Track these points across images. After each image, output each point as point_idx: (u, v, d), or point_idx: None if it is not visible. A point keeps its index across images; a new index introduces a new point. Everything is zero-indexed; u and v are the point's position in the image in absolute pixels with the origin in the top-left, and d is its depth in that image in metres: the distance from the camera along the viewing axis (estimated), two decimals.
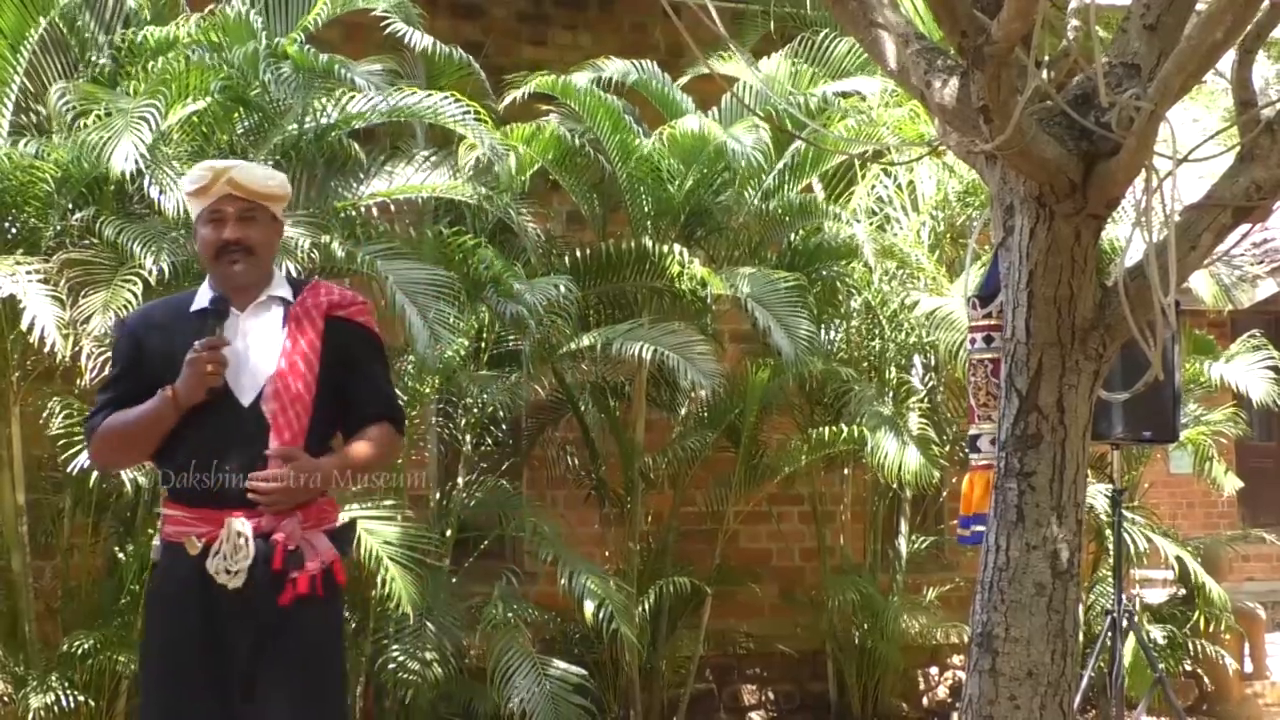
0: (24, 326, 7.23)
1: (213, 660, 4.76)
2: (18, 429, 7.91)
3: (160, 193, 7.33)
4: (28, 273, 7.30)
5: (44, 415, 7.84)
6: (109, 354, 4.83)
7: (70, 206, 7.78)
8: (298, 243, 7.66)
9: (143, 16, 7.96)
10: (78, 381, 7.75)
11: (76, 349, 7.42)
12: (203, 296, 4.94)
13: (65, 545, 8.25)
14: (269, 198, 4.94)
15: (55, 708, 7.67)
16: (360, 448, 4.98)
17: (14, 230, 7.70)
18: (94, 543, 8.32)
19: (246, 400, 4.85)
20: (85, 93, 7.65)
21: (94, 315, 7.34)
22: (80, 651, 7.79)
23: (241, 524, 4.76)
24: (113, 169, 7.19)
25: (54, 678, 7.77)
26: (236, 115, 7.97)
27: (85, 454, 4.63)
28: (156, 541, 4.97)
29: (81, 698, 7.80)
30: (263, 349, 4.91)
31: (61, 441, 7.68)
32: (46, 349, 7.26)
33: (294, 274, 6.08)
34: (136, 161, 7.16)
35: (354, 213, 8.39)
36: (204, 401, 4.80)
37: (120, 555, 8.21)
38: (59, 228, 7.74)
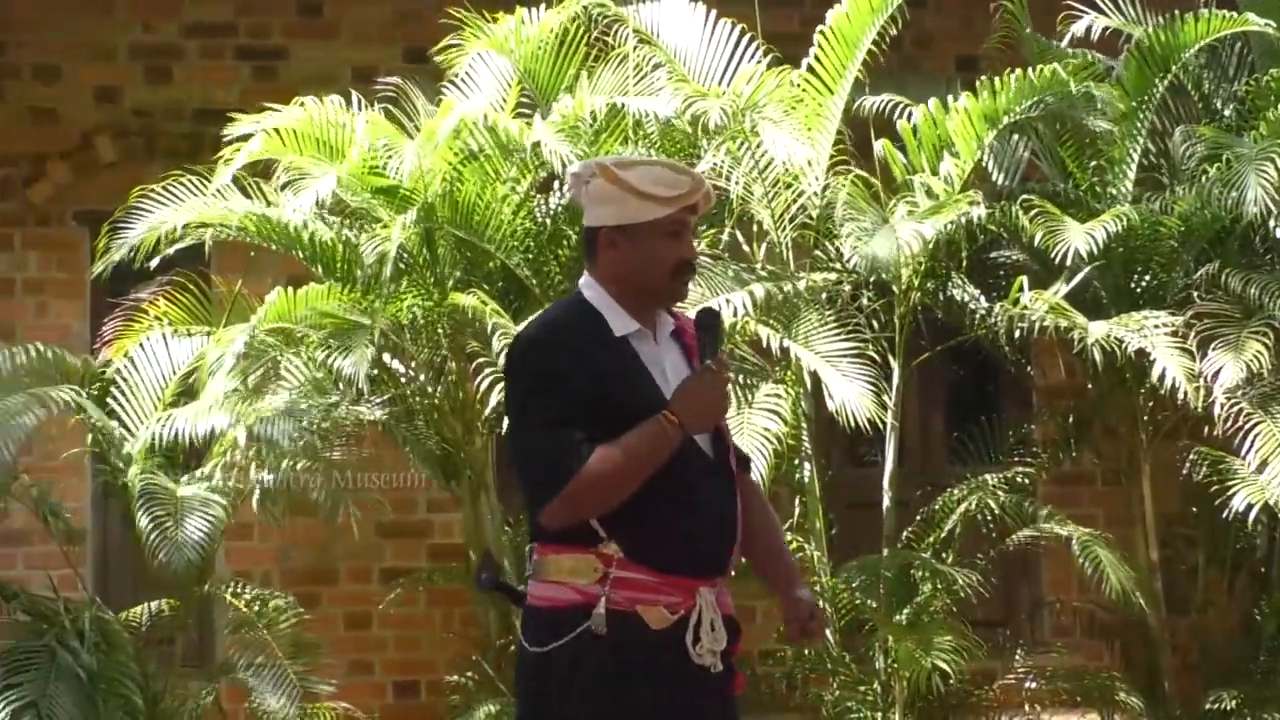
0: (1153, 380, 7.30)
1: None
2: (1148, 486, 7.98)
3: None
4: (1155, 326, 7.37)
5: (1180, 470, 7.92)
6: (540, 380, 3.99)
7: (1193, 261, 7.82)
8: None
9: (1267, 62, 7.88)
10: (1207, 433, 7.74)
11: (1209, 401, 7.40)
12: (618, 319, 4.05)
13: (1200, 601, 8.24)
14: None
15: None
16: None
17: (1141, 286, 7.83)
18: (1229, 599, 8.26)
19: (704, 443, 4.10)
20: (1209, 139, 7.66)
21: (1224, 368, 7.32)
22: (1223, 709, 7.75)
23: (710, 596, 4.02)
24: (1245, 212, 7.14)
25: None
26: None
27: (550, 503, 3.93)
28: (565, 595, 3.96)
29: None
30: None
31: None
32: (1178, 402, 7.32)
33: None
34: (1266, 204, 7.08)
35: None
36: None
37: (1256, 614, 8.14)
38: (1184, 281, 7.78)
